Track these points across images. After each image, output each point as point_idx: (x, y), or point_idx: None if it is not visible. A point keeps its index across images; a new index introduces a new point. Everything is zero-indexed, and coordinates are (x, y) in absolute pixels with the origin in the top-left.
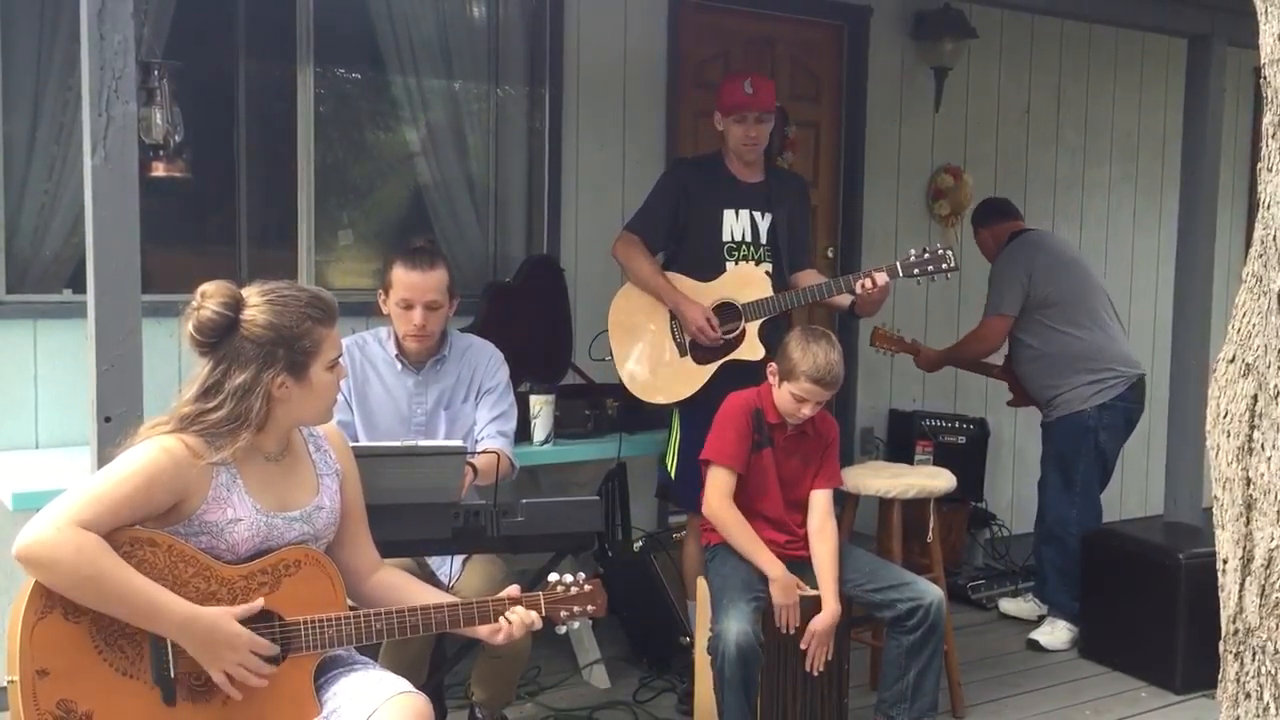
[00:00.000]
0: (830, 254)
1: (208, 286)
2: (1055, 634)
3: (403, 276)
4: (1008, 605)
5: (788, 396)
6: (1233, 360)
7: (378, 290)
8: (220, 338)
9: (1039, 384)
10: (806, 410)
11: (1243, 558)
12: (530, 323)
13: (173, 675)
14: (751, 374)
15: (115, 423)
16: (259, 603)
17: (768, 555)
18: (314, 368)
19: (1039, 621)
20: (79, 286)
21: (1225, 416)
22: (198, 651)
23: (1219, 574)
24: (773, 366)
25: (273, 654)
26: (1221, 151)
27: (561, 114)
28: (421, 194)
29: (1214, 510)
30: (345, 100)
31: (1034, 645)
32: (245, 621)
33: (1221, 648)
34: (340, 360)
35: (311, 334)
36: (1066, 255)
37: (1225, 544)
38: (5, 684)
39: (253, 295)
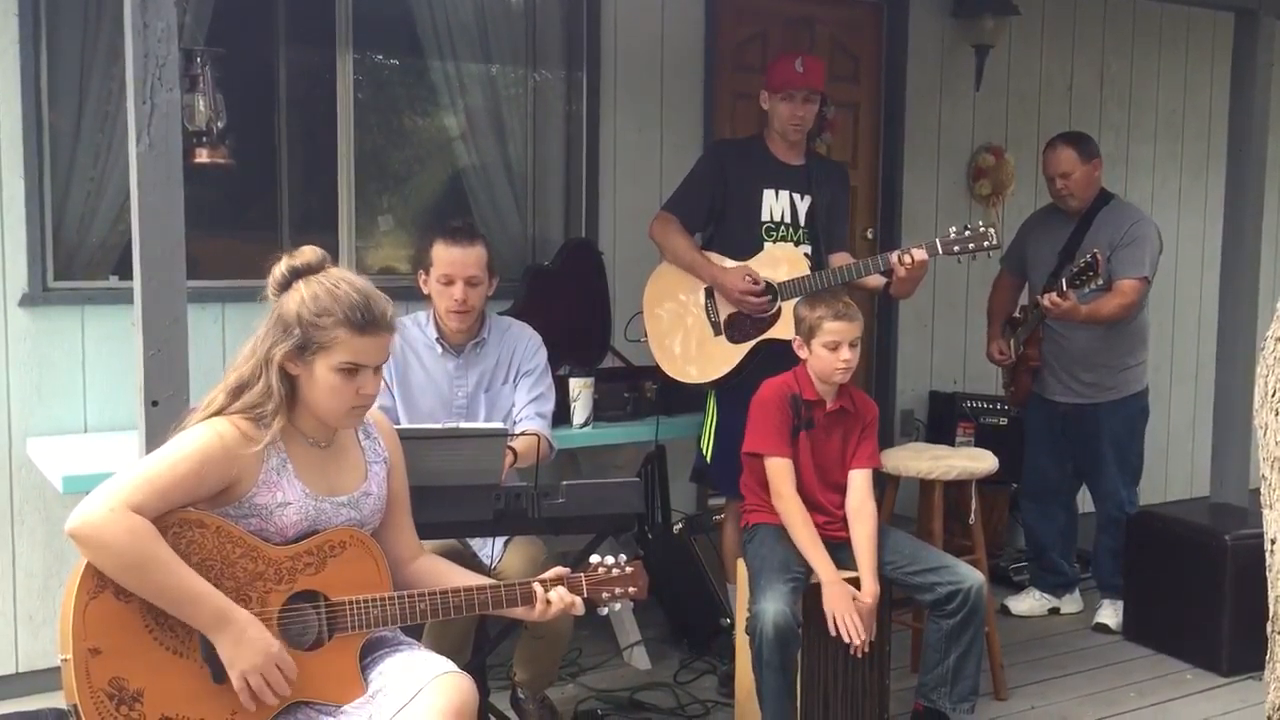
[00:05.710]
0: (869, 235)
1: (305, 248)
2: (1120, 616)
3: (443, 253)
4: (1018, 606)
5: (822, 353)
6: None
7: (417, 271)
8: (279, 292)
9: (1105, 360)
10: (846, 353)
11: None
12: (569, 306)
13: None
14: (787, 354)
15: (162, 407)
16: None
17: (824, 559)
18: (318, 361)
19: (1050, 614)
20: (125, 273)
21: (1274, 395)
22: (225, 648)
23: (1267, 554)
24: (797, 341)
25: (293, 675)
26: (1269, 129)
27: (599, 97)
28: (460, 178)
29: (1262, 490)
30: (384, 86)
31: (1103, 628)
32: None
33: (1269, 629)
34: (358, 370)
35: (328, 330)
36: None
37: (1274, 524)
38: (59, 662)
39: (320, 276)
